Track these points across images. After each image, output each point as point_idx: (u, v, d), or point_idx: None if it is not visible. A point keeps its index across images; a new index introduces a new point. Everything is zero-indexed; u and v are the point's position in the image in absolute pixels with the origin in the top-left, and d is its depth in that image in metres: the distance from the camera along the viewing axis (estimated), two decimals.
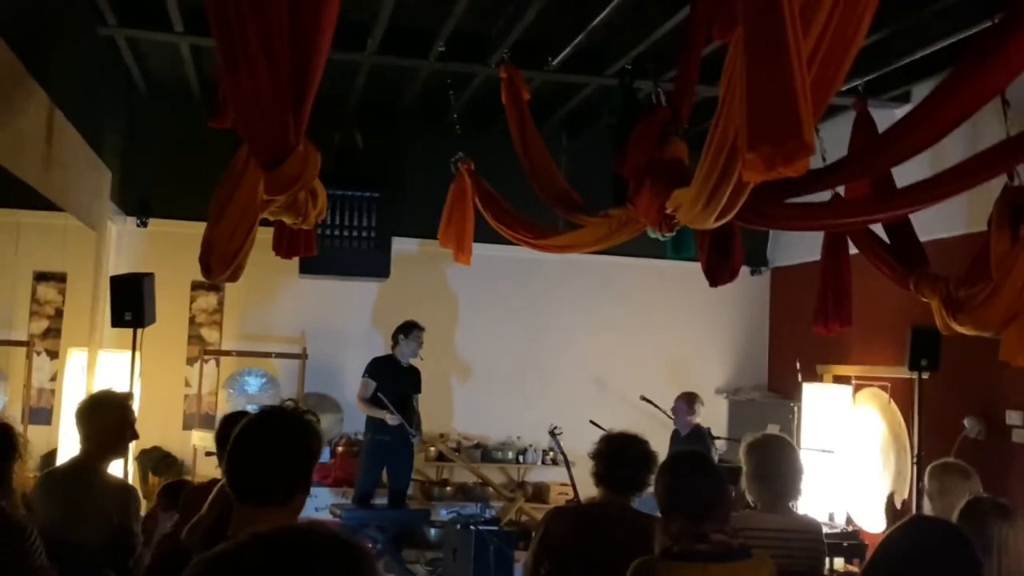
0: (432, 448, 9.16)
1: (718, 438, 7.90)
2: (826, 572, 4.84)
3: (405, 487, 8.25)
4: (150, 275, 6.16)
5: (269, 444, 2.53)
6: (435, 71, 7.53)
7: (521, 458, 9.36)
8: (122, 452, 4.59)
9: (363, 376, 8.15)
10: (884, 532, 2.50)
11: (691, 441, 7.67)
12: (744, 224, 5.20)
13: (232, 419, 4.64)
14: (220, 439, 4.48)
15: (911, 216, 5.90)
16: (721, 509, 3.25)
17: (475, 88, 7.94)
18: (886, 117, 6.32)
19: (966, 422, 6.89)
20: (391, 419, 7.90)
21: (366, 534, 7.65)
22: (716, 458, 7.25)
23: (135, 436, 4.49)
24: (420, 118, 8.95)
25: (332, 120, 8.38)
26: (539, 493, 9.20)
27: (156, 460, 8.53)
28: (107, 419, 4.30)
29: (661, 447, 3.67)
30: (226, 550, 1.19)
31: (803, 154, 2.80)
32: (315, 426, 2.59)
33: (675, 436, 7.86)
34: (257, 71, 3.44)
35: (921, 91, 7.10)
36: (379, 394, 7.97)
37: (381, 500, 8.23)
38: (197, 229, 4.30)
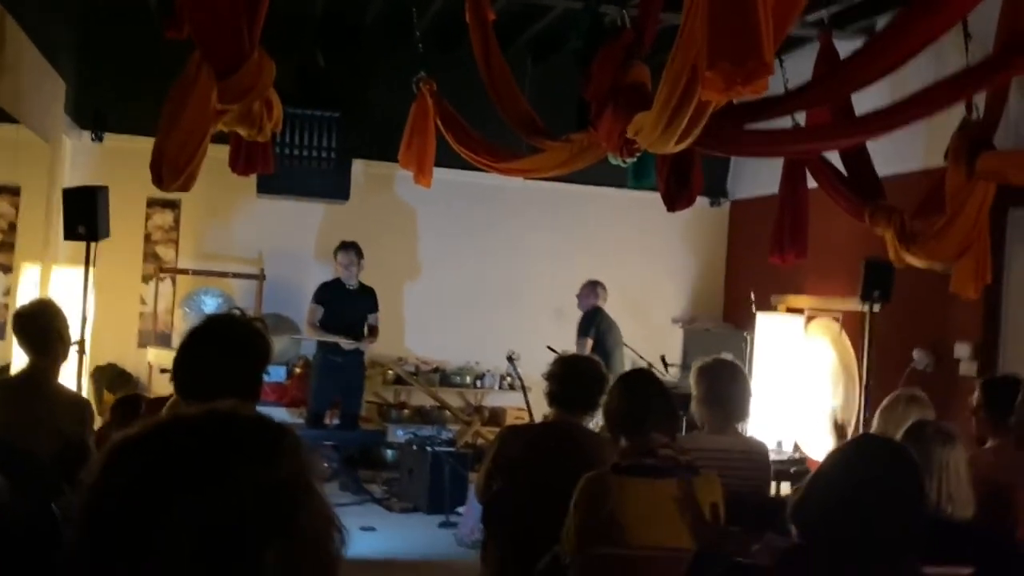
0: (390, 372, 9.20)
1: (672, 365, 8.01)
2: (772, 495, 4.95)
3: (357, 409, 8.27)
4: (104, 188, 6.06)
5: (216, 346, 2.54)
6: None
7: (479, 383, 9.43)
8: (66, 357, 4.54)
9: (311, 302, 8.14)
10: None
11: (587, 318, 8.32)
12: (704, 150, 5.21)
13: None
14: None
15: (869, 150, 5.94)
16: (668, 424, 3.31)
17: (439, 7, 7.82)
18: (850, 49, 6.29)
19: (915, 354, 7.01)
20: (346, 344, 7.90)
21: (321, 454, 7.70)
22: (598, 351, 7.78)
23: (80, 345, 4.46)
24: (383, 37, 8.80)
25: (293, 38, 8.22)
26: (495, 417, 9.29)
27: (112, 377, 8.50)
28: (51, 325, 4.26)
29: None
30: (145, 428, 1.16)
31: (762, 73, 2.80)
32: (262, 331, 2.59)
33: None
34: None
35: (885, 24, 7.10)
36: (317, 324, 8.00)
37: (332, 422, 8.27)
38: (153, 145, 4.23)
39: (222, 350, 2.54)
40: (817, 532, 2.23)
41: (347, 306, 8.09)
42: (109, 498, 1.12)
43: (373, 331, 8.24)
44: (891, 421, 4.25)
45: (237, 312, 2.68)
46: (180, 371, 2.53)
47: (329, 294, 8.10)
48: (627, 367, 7.92)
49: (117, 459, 1.14)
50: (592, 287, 8.52)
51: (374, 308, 8.26)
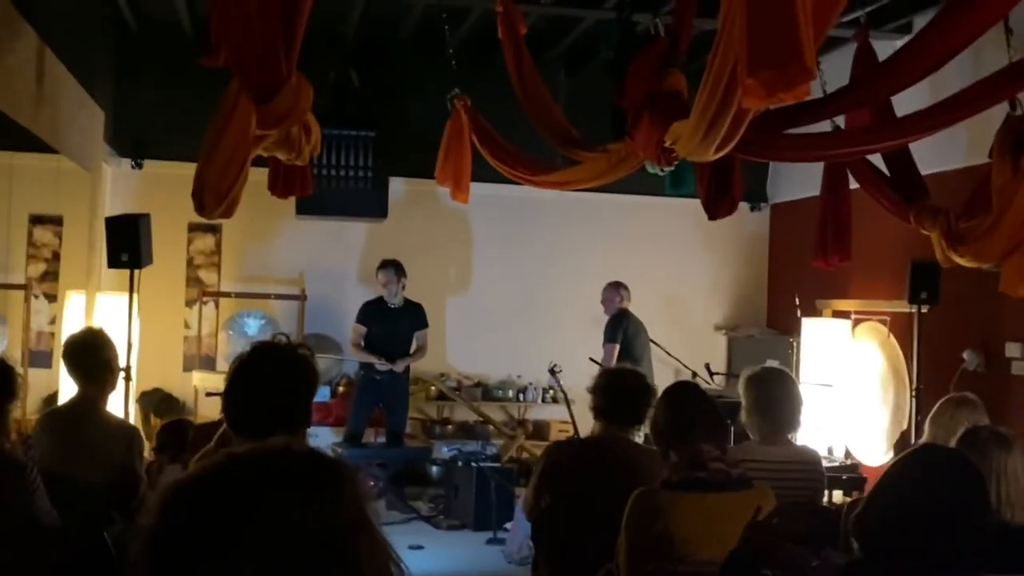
0: (433, 388, 9.19)
1: (717, 374, 7.93)
2: (825, 503, 4.88)
3: (402, 427, 8.22)
4: (146, 216, 6.12)
5: (264, 378, 2.52)
6: (430, 6, 7.42)
7: (521, 396, 9.40)
8: (115, 386, 4.59)
9: (355, 322, 8.12)
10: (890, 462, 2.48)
11: (610, 320, 8.17)
12: (744, 156, 5.15)
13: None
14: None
15: (911, 149, 5.85)
16: (717, 437, 3.26)
17: (471, 23, 7.83)
18: (887, 48, 6.22)
19: (965, 355, 6.89)
20: (380, 365, 7.90)
21: (368, 472, 7.71)
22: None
23: (127, 372, 4.51)
24: (416, 55, 8.83)
25: (327, 59, 8.28)
26: (539, 431, 9.25)
27: (157, 402, 8.57)
28: (100, 356, 4.30)
29: (662, 384, 3.67)
30: (201, 470, 1.16)
31: (804, 78, 2.76)
32: (310, 359, 2.58)
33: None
34: (246, 3, 3.37)
35: (923, 22, 6.95)
36: (361, 344, 7.99)
37: (377, 440, 8.26)
38: (192, 170, 4.25)
39: (271, 381, 2.52)
40: (880, 546, 2.17)
41: (390, 324, 8.06)
42: (167, 544, 1.11)
43: (419, 350, 8.20)
44: (942, 426, 4.17)
45: (282, 339, 2.66)
46: (230, 406, 2.52)
47: (372, 313, 8.08)
48: (655, 369, 7.87)
49: (173, 504, 1.13)
50: (615, 289, 8.36)
51: (422, 325, 8.21)
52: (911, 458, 2.36)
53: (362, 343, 8.05)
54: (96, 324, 6.76)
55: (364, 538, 1.15)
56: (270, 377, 2.52)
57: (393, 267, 8.07)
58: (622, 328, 8.11)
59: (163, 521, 1.12)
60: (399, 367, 8.03)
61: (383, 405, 8.14)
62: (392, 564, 1.19)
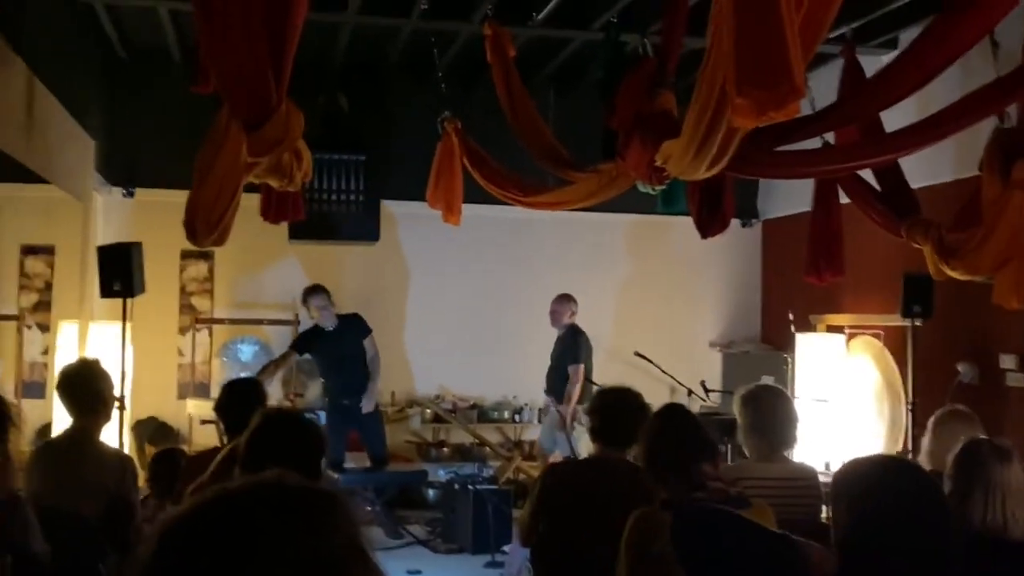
0: (428, 410, 9.17)
1: (712, 391, 7.92)
2: (824, 519, 4.86)
3: (382, 450, 8.09)
4: (138, 244, 6.11)
5: (284, 450, 2.61)
6: (418, 30, 7.44)
7: (517, 417, 9.38)
8: (110, 417, 4.57)
9: (289, 347, 8.01)
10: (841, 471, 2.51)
11: (564, 341, 8.12)
12: (735, 174, 5.17)
13: (232, 387, 4.67)
14: (221, 408, 4.49)
15: (901, 163, 5.87)
16: (711, 456, 3.26)
17: (460, 46, 7.85)
18: (874, 64, 6.26)
19: (960, 367, 6.90)
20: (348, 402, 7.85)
21: (362, 497, 7.67)
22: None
23: (120, 401, 4.48)
24: (405, 79, 8.86)
25: (316, 83, 8.29)
26: (536, 452, 9.22)
27: (152, 430, 8.53)
28: (95, 387, 4.28)
29: (658, 402, 3.66)
30: (195, 505, 1.15)
31: (793, 97, 2.77)
32: (317, 426, 2.74)
33: (556, 339, 8.23)
34: (235, 31, 3.38)
35: (909, 37, 7.02)
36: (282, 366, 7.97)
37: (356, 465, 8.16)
38: (184, 198, 4.25)
39: (292, 454, 2.63)
40: (853, 550, 2.21)
41: (336, 346, 7.93)
42: None
43: (374, 367, 8.02)
44: (939, 440, 4.16)
45: (288, 405, 2.84)
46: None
47: (313, 342, 7.94)
48: (648, 387, 7.83)
49: (169, 540, 1.13)
50: (567, 301, 8.25)
51: (366, 332, 8.06)
52: (848, 467, 2.43)
53: (286, 366, 7.98)
54: (91, 355, 6.74)
55: (359, 567, 1.15)
56: (289, 449, 2.63)
57: (326, 291, 7.98)
58: (580, 346, 8.07)
59: (159, 557, 1.11)
60: (368, 407, 7.93)
61: (357, 429, 8.03)
62: None
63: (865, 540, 2.17)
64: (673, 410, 3.59)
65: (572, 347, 8.07)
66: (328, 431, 8.01)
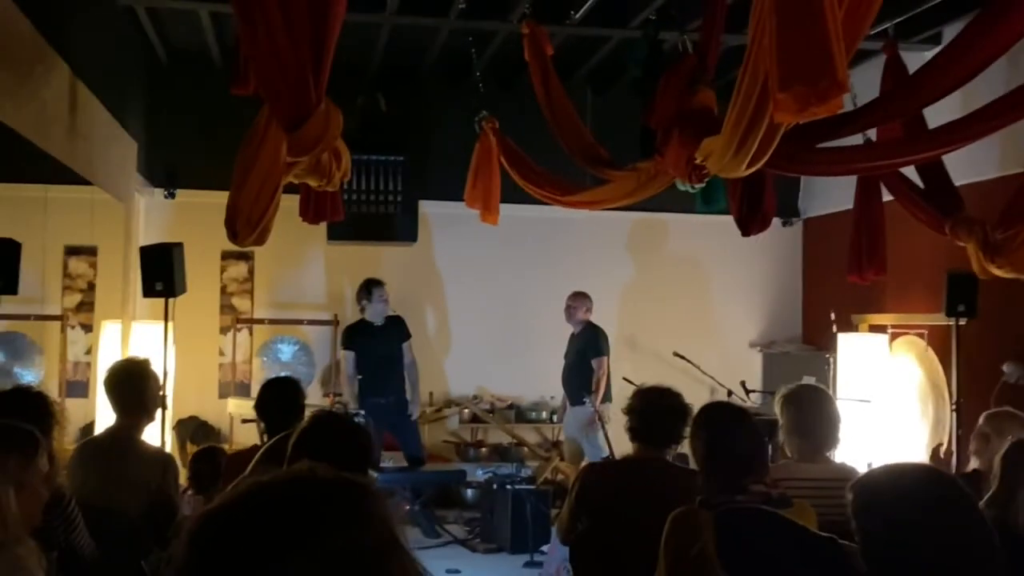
0: (466, 410, 9.18)
1: (752, 391, 7.85)
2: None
3: (418, 450, 8.08)
4: (179, 245, 6.16)
5: (330, 451, 2.61)
6: (456, 30, 7.45)
7: (555, 417, 9.35)
8: (154, 417, 4.62)
9: (342, 349, 8.00)
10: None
11: (584, 336, 8.14)
12: (776, 171, 5.12)
13: (270, 386, 4.69)
14: (260, 406, 4.52)
15: (945, 160, 5.79)
16: (760, 460, 3.21)
17: (497, 46, 7.85)
18: (917, 60, 6.17)
19: (1005, 367, 6.78)
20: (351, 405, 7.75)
21: (402, 497, 7.69)
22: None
23: (162, 401, 4.54)
24: (443, 79, 8.88)
25: (355, 84, 8.34)
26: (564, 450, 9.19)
27: (193, 429, 8.61)
28: (141, 386, 4.33)
29: (698, 403, 3.62)
30: (228, 499, 1.15)
31: (836, 92, 2.73)
32: (366, 429, 2.72)
33: (571, 337, 8.27)
34: (275, 31, 3.40)
35: (952, 32, 6.92)
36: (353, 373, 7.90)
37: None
38: (224, 199, 4.26)
39: (330, 455, 2.64)
40: (884, 564, 2.13)
41: (381, 345, 7.95)
42: (197, 573, 1.11)
43: (413, 372, 8.05)
44: (989, 444, 4.10)
45: (340, 409, 2.82)
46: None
47: (355, 337, 7.96)
48: (688, 388, 7.79)
49: (202, 533, 1.13)
50: (583, 298, 8.27)
51: (406, 336, 8.10)
52: (866, 478, 2.30)
53: (352, 372, 7.91)
54: (139, 354, 6.82)
55: (396, 561, 1.14)
56: (335, 451, 2.62)
57: (383, 284, 8.03)
58: (602, 340, 8.11)
59: (192, 550, 1.12)
60: (415, 413, 8.02)
61: (391, 430, 7.99)
62: None
63: (898, 554, 2.09)
64: (722, 410, 3.53)
65: (593, 341, 8.10)
66: None
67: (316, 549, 1.09)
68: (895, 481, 2.25)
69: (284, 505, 1.13)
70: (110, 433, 4.40)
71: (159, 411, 4.81)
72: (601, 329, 8.20)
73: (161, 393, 4.81)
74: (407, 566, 1.16)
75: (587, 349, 8.07)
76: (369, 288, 8.01)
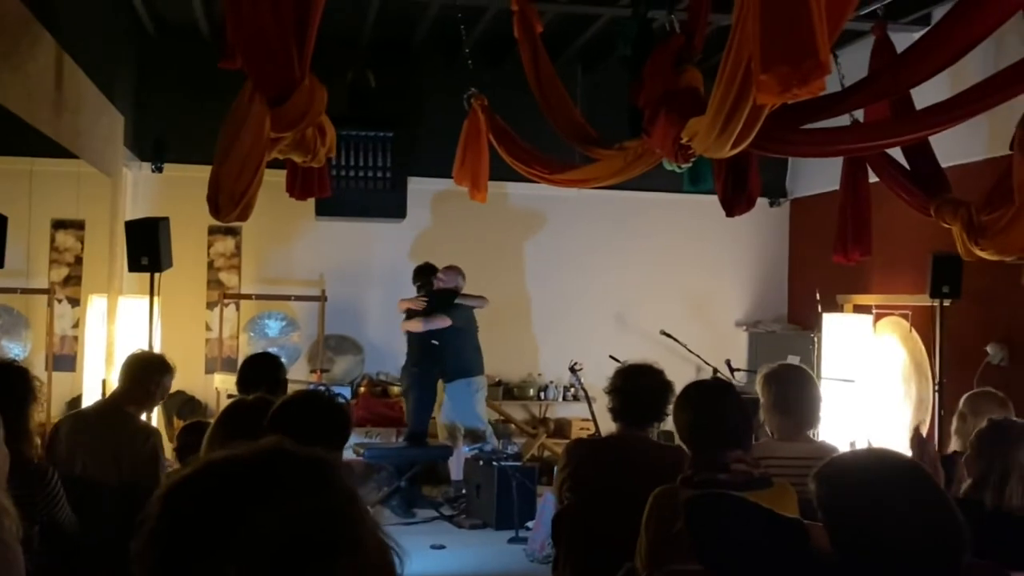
0: None
1: (738, 370, 7.89)
2: None
3: (426, 426, 8.19)
4: (165, 219, 6.16)
5: (305, 428, 2.61)
6: (446, 6, 7.42)
7: (542, 395, 9.39)
8: (149, 409, 4.69)
9: (438, 314, 8.05)
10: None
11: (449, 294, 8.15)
12: (761, 151, 5.12)
13: (254, 361, 4.72)
14: (242, 381, 4.54)
15: (931, 142, 5.80)
16: (743, 437, 3.23)
17: (487, 23, 7.83)
18: (906, 41, 6.16)
19: (989, 348, 6.83)
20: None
21: (388, 472, 7.72)
22: None
23: (165, 396, 4.60)
24: (433, 56, 8.84)
25: (344, 60, 8.30)
26: (561, 429, 9.25)
27: (180, 404, 8.62)
28: (153, 379, 4.37)
29: (683, 381, 3.62)
30: (194, 469, 1.22)
31: (819, 74, 2.73)
32: (342, 406, 2.73)
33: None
34: (260, 5, 3.38)
35: (941, 13, 6.93)
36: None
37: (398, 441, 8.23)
38: None
39: (305, 432, 2.63)
40: (850, 549, 2.13)
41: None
42: (168, 537, 1.16)
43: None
44: (969, 423, 4.14)
45: (321, 389, 2.80)
46: None
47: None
48: (673, 366, 7.83)
49: (171, 500, 1.19)
50: (456, 272, 8.28)
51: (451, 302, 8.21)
52: (826, 467, 2.30)
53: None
54: (127, 330, 6.85)
55: (356, 528, 1.20)
56: (312, 428, 2.62)
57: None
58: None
59: (163, 511, 1.18)
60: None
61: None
62: (391, 554, 1.29)
63: (865, 541, 2.09)
64: (706, 387, 3.54)
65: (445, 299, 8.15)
66: (415, 400, 8.08)
67: (277, 509, 1.16)
68: (858, 469, 2.26)
69: (250, 471, 1.20)
70: (97, 407, 4.42)
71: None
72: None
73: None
74: (366, 534, 1.21)
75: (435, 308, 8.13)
76: (427, 274, 8.28)
